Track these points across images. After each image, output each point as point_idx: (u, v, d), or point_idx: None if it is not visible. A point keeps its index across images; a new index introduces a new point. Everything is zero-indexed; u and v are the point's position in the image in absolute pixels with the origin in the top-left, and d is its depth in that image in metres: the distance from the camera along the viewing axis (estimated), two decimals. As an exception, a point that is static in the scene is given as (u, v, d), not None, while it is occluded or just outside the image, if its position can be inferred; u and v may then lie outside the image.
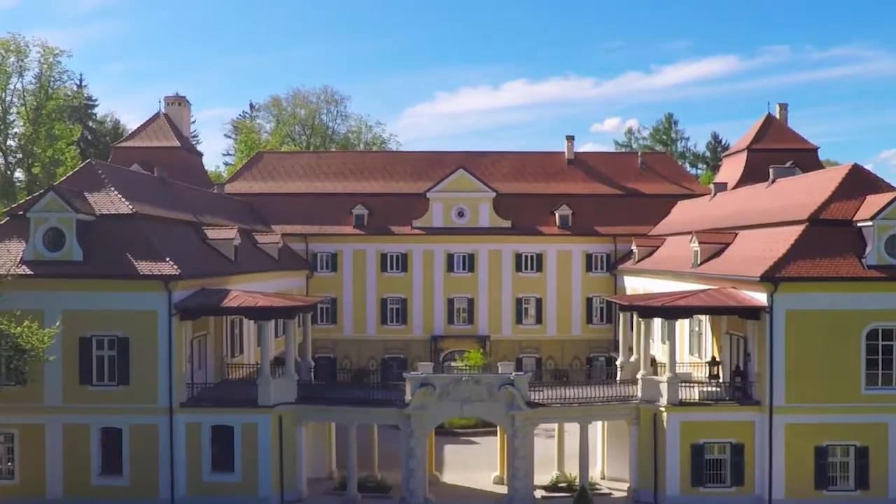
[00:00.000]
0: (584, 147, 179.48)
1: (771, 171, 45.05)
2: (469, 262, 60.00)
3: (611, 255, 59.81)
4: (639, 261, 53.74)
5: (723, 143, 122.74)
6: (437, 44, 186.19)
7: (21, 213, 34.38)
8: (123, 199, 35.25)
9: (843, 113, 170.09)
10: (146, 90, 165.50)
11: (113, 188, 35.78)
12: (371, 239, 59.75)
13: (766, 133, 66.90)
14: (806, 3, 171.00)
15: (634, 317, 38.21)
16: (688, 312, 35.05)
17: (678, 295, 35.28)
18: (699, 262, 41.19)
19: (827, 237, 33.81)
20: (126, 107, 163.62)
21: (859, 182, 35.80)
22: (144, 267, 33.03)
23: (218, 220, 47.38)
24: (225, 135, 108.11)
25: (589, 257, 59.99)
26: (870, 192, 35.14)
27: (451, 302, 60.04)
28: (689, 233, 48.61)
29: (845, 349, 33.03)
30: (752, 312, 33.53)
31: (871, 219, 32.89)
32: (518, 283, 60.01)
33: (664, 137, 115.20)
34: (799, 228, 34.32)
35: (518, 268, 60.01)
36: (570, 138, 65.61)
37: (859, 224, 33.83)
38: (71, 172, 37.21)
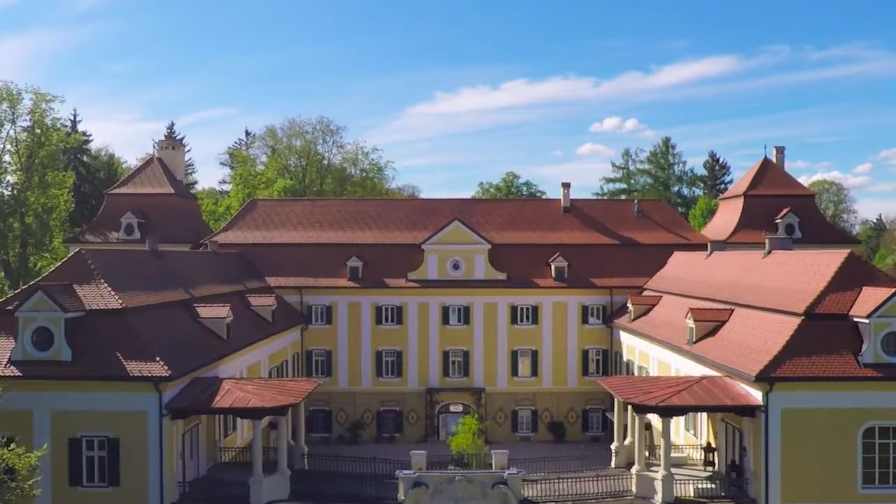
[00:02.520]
0: (584, 148, 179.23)
1: (767, 241, 44.80)
2: (464, 315, 59.74)
3: (607, 308, 59.55)
4: (634, 319, 53.43)
5: (720, 161, 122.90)
6: (437, 44, 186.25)
7: (9, 308, 34.03)
8: (112, 293, 34.90)
9: (842, 112, 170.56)
10: (141, 91, 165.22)
11: (102, 279, 35.43)
12: (366, 292, 59.47)
13: (763, 178, 66.84)
14: (806, 3, 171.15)
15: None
16: (683, 411, 34.82)
17: (673, 388, 34.94)
18: (694, 340, 40.94)
19: (822, 332, 33.50)
20: (118, 109, 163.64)
21: (855, 271, 35.52)
22: (134, 367, 32.70)
23: (211, 287, 47.12)
24: (221, 163, 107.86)
25: (585, 309, 59.74)
26: (866, 283, 34.87)
27: (446, 354, 59.80)
28: (685, 296, 48.71)
29: (842, 447, 32.73)
30: (748, 410, 33.27)
31: (868, 317, 32.60)
32: (513, 335, 59.78)
33: (661, 161, 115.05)
34: (794, 322, 34.04)
35: (513, 320, 59.78)
36: (566, 185, 65.41)
37: (855, 319, 33.53)
38: (60, 263, 36.81)
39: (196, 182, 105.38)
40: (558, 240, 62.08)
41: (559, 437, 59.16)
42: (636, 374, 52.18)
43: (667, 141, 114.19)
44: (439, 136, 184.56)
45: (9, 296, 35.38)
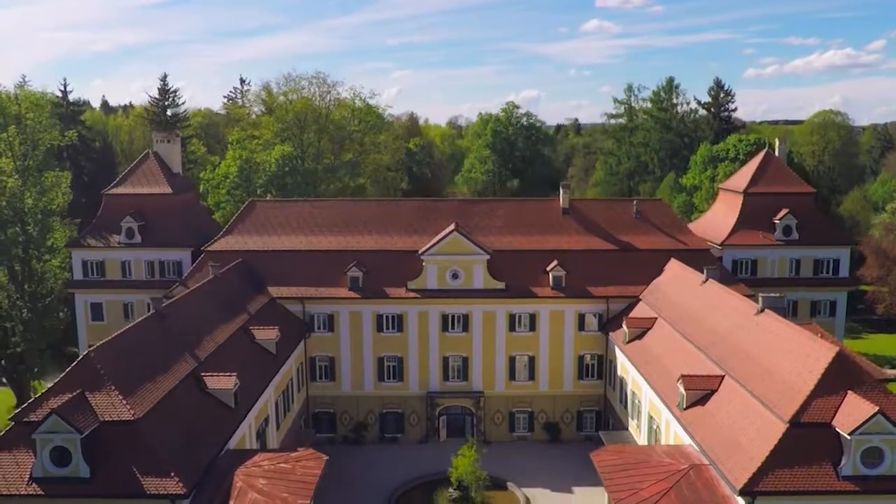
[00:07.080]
0: (589, 24, 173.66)
1: (760, 299, 45.63)
2: (463, 323, 61.14)
3: (603, 315, 60.87)
4: (629, 341, 54.96)
5: (725, 87, 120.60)
6: None
7: (26, 420, 35.42)
8: (123, 401, 36.10)
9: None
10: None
11: (112, 385, 36.55)
12: (366, 301, 60.58)
13: (764, 174, 66.53)
14: None
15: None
16: (669, 517, 36.80)
17: (662, 482, 36.87)
18: (685, 406, 42.62)
19: (805, 441, 34.89)
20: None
21: (842, 372, 36.53)
22: (150, 484, 34.40)
23: (216, 333, 48.52)
24: (217, 112, 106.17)
25: (581, 317, 61.05)
26: (852, 385, 36.04)
27: (445, 360, 61.66)
28: (679, 332, 50.14)
29: (820, 553, 34.95)
30: (732, 517, 35.33)
31: (850, 434, 34.02)
32: (511, 341, 61.39)
33: (664, 102, 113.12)
34: (780, 429, 35.46)
35: (511, 327, 61.22)
36: (566, 186, 65.27)
37: (837, 429, 34.95)
38: (70, 368, 37.77)
39: (185, 110, 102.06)
40: (557, 245, 62.53)
41: (554, 436, 61.98)
42: (629, 399, 54.24)
43: (671, 80, 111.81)
44: (439, 12, 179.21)
45: (23, 406, 36.64)
